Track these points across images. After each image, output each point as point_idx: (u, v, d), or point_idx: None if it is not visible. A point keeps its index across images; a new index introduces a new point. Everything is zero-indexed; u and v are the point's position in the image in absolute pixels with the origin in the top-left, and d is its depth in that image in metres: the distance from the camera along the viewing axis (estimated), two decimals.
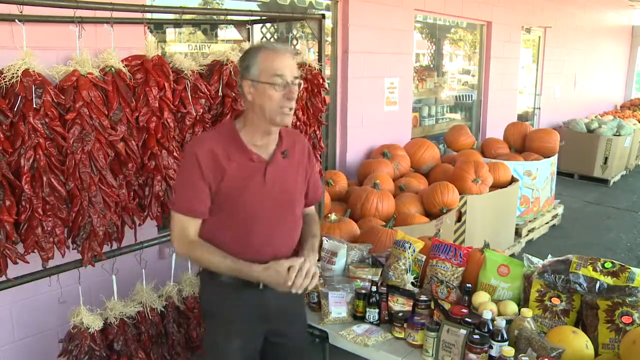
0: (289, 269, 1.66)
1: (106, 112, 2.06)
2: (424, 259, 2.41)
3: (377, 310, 2.15)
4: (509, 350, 1.71)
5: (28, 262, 1.96)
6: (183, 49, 3.47)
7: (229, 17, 3.10)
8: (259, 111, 1.69)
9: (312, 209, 2.03)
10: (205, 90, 2.39)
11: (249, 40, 3.15)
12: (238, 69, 1.77)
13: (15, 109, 1.85)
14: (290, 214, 1.84)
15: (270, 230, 1.77)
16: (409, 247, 2.34)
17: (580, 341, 1.81)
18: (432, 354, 1.91)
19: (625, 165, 8.37)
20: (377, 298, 2.16)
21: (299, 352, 1.96)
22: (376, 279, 2.25)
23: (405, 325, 2.02)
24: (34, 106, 1.86)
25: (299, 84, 1.71)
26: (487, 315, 1.86)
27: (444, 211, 3.75)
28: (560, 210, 5.89)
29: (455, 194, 3.85)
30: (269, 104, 1.66)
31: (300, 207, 1.89)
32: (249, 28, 3.21)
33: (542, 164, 5.27)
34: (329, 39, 4.37)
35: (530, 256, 2.28)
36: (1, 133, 1.83)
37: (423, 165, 4.70)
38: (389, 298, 2.16)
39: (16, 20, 1.99)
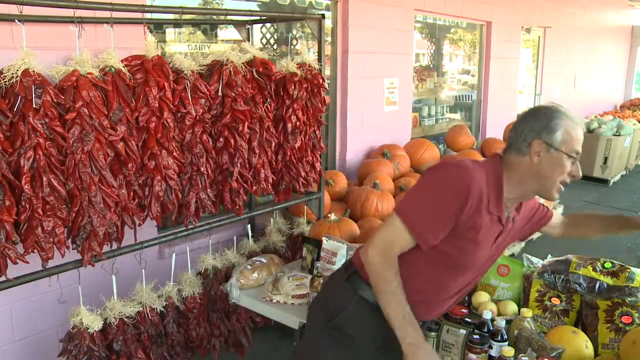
0: None
1: (106, 112, 2.06)
2: None
3: None
4: (509, 350, 1.71)
5: (28, 262, 1.96)
6: (183, 49, 3.47)
7: (229, 17, 3.11)
8: (538, 177, 1.57)
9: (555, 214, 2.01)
10: (205, 90, 2.39)
11: (248, 40, 3.15)
12: (530, 127, 1.57)
13: (15, 109, 1.85)
14: (486, 271, 1.81)
15: (467, 282, 1.72)
16: None
17: (580, 341, 1.81)
18: None
19: (625, 165, 8.36)
20: None
21: None
22: None
23: None
24: (34, 106, 1.86)
25: None
26: (487, 315, 1.86)
27: None
28: (560, 210, 5.89)
29: None
30: (556, 175, 1.56)
31: None
32: (248, 28, 3.22)
33: None
34: (329, 39, 4.37)
35: (530, 256, 2.29)
36: (1, 133, 1.82)
37: (423, 165, 4.70)
38: None
39: (16, 20, 1.99)
